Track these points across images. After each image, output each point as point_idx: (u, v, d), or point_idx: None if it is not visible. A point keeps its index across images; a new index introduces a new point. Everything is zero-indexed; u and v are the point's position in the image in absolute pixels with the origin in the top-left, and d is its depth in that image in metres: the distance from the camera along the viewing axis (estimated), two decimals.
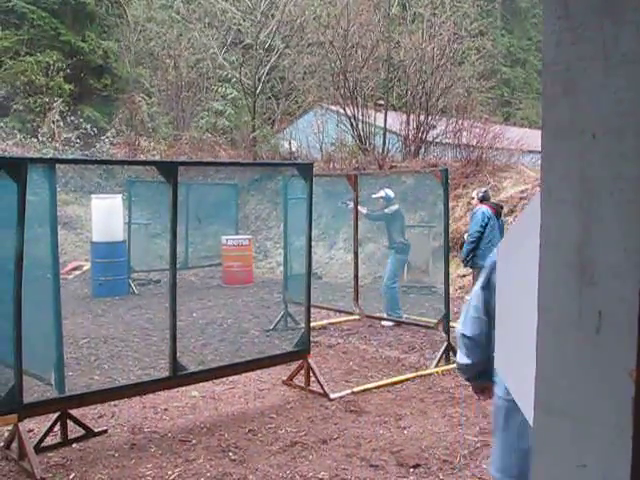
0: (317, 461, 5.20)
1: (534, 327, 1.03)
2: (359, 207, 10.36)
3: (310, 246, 6.96)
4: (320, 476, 4.95)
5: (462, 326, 3.03)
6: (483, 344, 2.92)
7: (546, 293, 1.02)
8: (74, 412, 5.54)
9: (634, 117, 0.92)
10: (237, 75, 23.07)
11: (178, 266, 15.48)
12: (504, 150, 17.75)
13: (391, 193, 10.34)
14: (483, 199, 9.75)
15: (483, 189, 10.15)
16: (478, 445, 5.48)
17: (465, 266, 10.39)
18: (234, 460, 5.20)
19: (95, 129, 20.15)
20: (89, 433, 5.58)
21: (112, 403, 6.17)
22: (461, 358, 3.13)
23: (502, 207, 10.56)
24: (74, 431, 5.55)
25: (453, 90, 20.22)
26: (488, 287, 2.78)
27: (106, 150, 19.67)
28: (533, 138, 19.81)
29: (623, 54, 0.93)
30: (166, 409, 6.40)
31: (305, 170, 6.86)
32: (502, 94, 31.74)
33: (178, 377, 5.85)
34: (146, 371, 7.46)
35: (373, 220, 10.83)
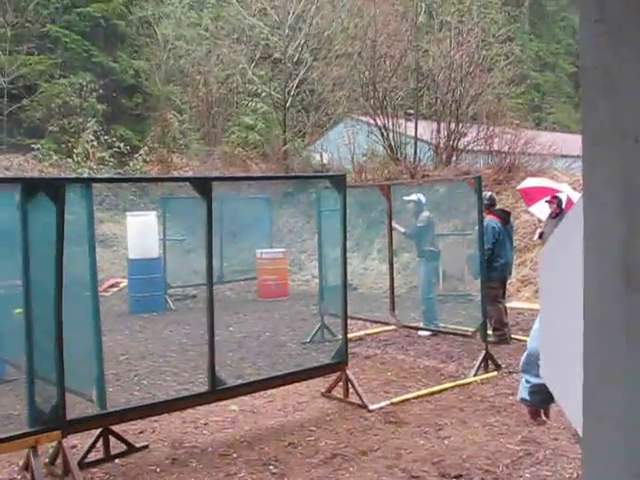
0: (358, 473, 5.18)
1: (580, 334, 1.02)
2: (397, 226, 10.38)
3: (345, 257, 6.96)
4: None
5: (534, 342, 2.55)
6: None
7: (592, 299, 1.00)
8: (115, 428, 5.59)
9: None
10: (267, 89, 23.22)
11: (214, 281, 15.56)
12: (536, 155, 17.61)
13: (423, 198, 10.30)
14: (490, 206, 9.63)
15: (488, 194, 9.82)
16: (521, 454, 5.42)
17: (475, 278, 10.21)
18: (275, 473, 5.20)
19: (128, 147, 20.41)
20: (131, 449, 5.63)
21: (152, 419, 6.21)
22: (534, 378, 2.61)
23: (509, 213, 10.48)
24: (116, 447, 5.60)
25: (483, 97, 20.13)
26: None
27: (139, 168, 19.92)
28: (565, 142, 19.65)
29: None
30: (206, 423, 6.43)
31: (338, 182, 6.87)
32: (532, 99, 31.53)
33: (217, 391, 5.88)
34: (185, 386, 7.50)
35: (411, 238, 10.67)
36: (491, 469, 5.16)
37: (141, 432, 6.14)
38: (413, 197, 10.23)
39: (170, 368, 8.50)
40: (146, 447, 5.76)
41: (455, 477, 5.05)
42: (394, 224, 10.33)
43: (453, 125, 19.51)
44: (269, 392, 7.15)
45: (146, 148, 20.81)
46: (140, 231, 13.07)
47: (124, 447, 5.63)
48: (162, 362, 8.80)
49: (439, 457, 5.43)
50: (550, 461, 5.29)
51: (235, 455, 5.59)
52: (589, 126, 1.05)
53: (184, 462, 5.46)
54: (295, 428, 6.26)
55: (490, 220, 9.47)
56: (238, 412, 6.79)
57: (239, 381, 6.96)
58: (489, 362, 8.04)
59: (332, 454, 5.56)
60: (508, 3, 24.14)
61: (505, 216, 9.89)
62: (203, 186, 5.61)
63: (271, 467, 5.32)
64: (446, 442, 5.78)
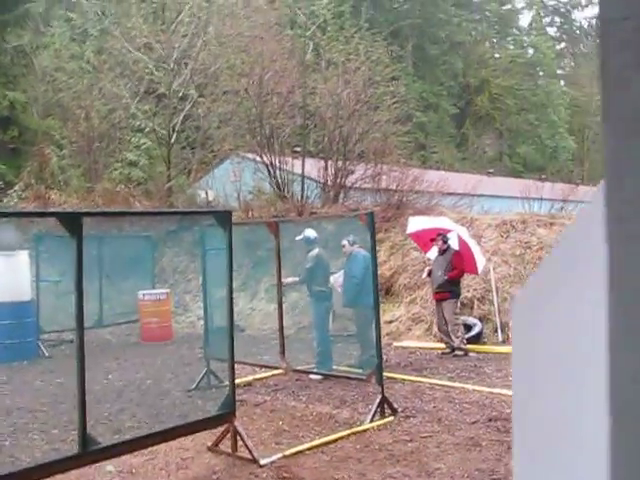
0: None
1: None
2: (289, 280, 10.13)
3: (231, 298, 6.46)
4: None
5: None
6: None
7: (620, 347, 0.66)
8: None
9: None
10: (150, 124, 22.54)
11: (92, 324, 14.66)
12: (424, 193, 17.73)
13: (312, 234, 9.97)
14: (355, 243, 9.70)
15: (350, 237, 9.87)
16: None
17: (348, 306, 10.05)
18: None
19: (2, 183, 19.24)
20: None
21: None
22: None
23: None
24: None
25: (370, 135, 20.19)
26: None
27: (14, 204, 18.73)
28: (451, 180, 19.97)
29: None
30: None
31: (223, 218, 6.40)
32: (417, 138, 32.18)
33: (89, 453, 5.20)
34: (55, 445, 6.73)
35: (305, 282, 10.20)
36: None
37: None
38: (305, 234, 9.90)
39: (39, 425, 7.66)
40: None
41: None
42: (285, 280, 10.05)
43: (340, 163, 19.43)
44: (150, 448, 6.50)
45: (22, 184, 19.71)
46: (9, 272, 12.09)
47: None
48: (30, 418, 7.95)
49: None
50: None
51: None
52: (618, 111, 0.69)
53: None
54: None
55: (359, 251, 9.56)
56: (115, 474, 6.11)
57: (116, 438, 6.29)
58: (385, 406, 7.68)
59: None
60: (393, 43, 24.54)
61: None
62: (72, 221, 5.01)
63: None
64: None
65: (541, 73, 54.21)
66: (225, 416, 6.36)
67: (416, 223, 12.49)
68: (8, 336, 11.73)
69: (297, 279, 10.12)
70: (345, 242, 9.92)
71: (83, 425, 5.17)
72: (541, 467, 0.97)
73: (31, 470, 5.05)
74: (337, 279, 10.14)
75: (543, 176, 22.66)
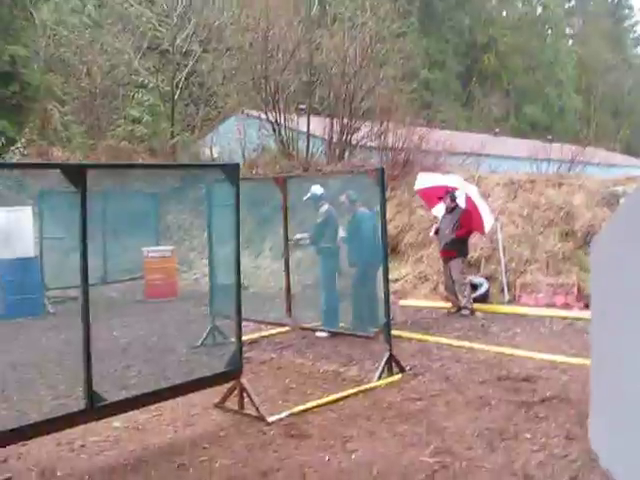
0: None
1: None
2: (299, 235, 10.05)
3: (239, 254, 6.35)
4: None
5: None
6: None
7: None
8: None
9: None
10: (154, 81, 22.23)
11: (96, 281, 14.60)
12: (430, 152, 17.51)
13: (318, 190, 9.82)
14: (355, 200, 9.68)
15: (350, 192, 9.79)
16: (435, 467, 4.98)
17: (354, 266, 9.90)
18: None
19: (3, 139, 19.02)
20: None
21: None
22: None
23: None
24: None
25: (376, 91, 19.89)
26: None
27: (16, 161, 18.52)
28: (457, 139, 19.73)
29: None
30: (83, 445, 5.68)
31: (231, 172, 6.26)
32: (422, 96, 31.76)
33: (95, 409, 5.14)
34: (61, 401, 6.68)
35: (315, 238, 9.95)
36: None
37: (4, 460, 5.33)
38: (312, 191, 9.76)
39: (45, 380, 7.61)
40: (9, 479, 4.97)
41: None
42: (296, 236, 9.92)
43: (346, 120, 19.19)
44: (157, 404, 6.44)
45: (24, 140, 19.46)
46: (13, 228, 11.98)
47: None
48: (36, 373, 7.90)
49: (348, 475, 4.92)
50: (468, 473, 4.88)
51: None
52: None
53: None
54: (186, 446, 5.61)
55: (364, 211, 9.54)
56: (122, 429, 6.07)
57: (123, 394, 6.21)
58: (392, 364, 7.62)
59: (228, 476, 4.95)
60: None
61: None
62: (76, 174, 4.87)
63: None
64: (354, 456, 5.27)
65: (549, 32, 53.40)
66: (232, 373, 6.30)
67: (425, 180, 12.30)
68: (13, 292, 11.68)
69: (306, 235, 9.98)
70: (344, 198, 9.78)
71: (89, 381, 5.11)
72: (618, 404, 0.87)
73: (39, 424, 4.99)
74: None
75: (550, 137, 22.32)
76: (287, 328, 9.90)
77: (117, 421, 6.09)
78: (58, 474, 5.08)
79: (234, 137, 20.17)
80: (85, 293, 5.09)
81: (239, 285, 6.40)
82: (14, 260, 11.85)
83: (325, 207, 9.73)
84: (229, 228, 6.52)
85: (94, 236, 15.18)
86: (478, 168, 17.33)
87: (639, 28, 67.29)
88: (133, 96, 22.70)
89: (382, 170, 7.58)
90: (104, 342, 9.05)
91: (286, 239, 9.78)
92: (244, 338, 8.78)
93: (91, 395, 5.12)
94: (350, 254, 9.59)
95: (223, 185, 6.69)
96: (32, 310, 11.77)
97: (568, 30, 59.56)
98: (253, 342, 9.53)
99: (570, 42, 57.87)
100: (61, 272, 13.13)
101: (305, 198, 9.88)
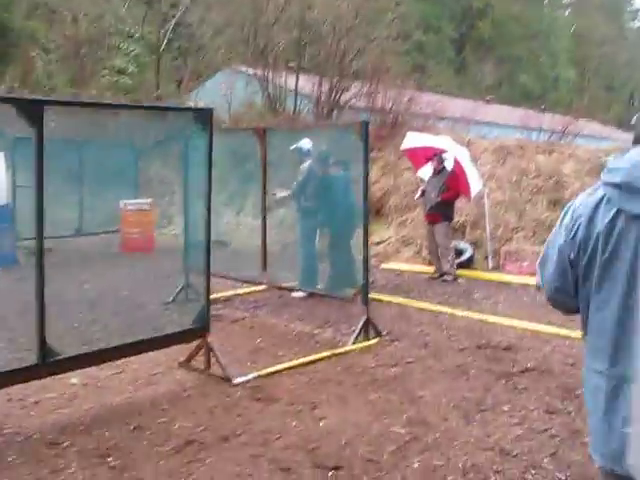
0: (216, 465, 4.30)
1: None
2: (279, 194, 9.59)
3: (209, 207, 5.97)
4: None
5: None
6: None
7: None
8: None
9: None
10: (140, 30, 21.60)
11: (71, 233, 14.16)
12: (420, 114, 17.13)
13: (306, 145, 9.43)
14: (333, 163, 9.40)
15: (324, 150, 9.58)
16: (407, 438, 4.70)
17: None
18: (113, 467, 4.23)
19: None
20: None
21: None
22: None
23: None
24: None
25: (368, 51, 19.39)
26: None
27: None
28: (448, 104, 19.29)
29: None
30: (37, 402, 5.34)
31: (203, 117, 5.86)
32: (414, 59, 31.19)
33: (48, 364, 4.81)
34: (21, 354, 6.33)
35: (298, 194, 9.55)
36: (374, 458, 4.41)
37: None
38: (299, 144, 9.38)
39: (7, 332, 7.26)
40: None
41: (333, 469, 4.26)
42: (276, 193, 9.54)
43: (336, 79, 18.71)
44: (119, 361, 6.11)
45: (3, 87, 18.85)
46: None
47: None
48: None
49: (314, 443, 4.62)
50: (441, 446, 4.59)
51: (67, 444, 4.56)
52: None
53: None
54: (145, 407, 5.29)
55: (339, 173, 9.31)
56: (79, 386, 5.74)
57: (83, 349, 5.88)
58: (369, 328, 7.32)
59: (186, 440, 4.64)
60: None
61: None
62: (31, 111, 4.47)
63: (110, 459, 4.34)
64: (322, 424, 4.98)
65: (546, 1, 52.60)
66: (198, 330, 5.96)
67: (414, 139, 11.87)
68: None
69: (288, 192, 9.59)
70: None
71: (41, 335, 4.77)
72: None
73: None
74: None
75: (543, 106, 21.90)
76: (263, 287, 9.59)
77: (75, 377, 5.76)
78: (4, 432, 4.76)
79: (220, 93, 19.65)
80: (39, 243, 4.75)
81: (209, 240, 6.03)
82: None
83: (307, 163, 9.34)
84: (202, 179, 6.14)
85: (70, 187, 14.80)
86: (468, 133, 16.97)
87: (637, 1, 66.59)
88: (119, 46, 22.08)
89: (366, 124, 7.19)
90: (73, 294, 8.76)
91: (263, 193, 9.42)
92: (217, 295, 8.54)
93: (43, 349, 4.78)
94: (321, 217, 9.29)
95: (201, 135, 6.29)
96: (3, 260, 11.36)
97: (565, 0, 58.73)
98: (227, 300, 9.20)
99: (567, 12, 57.09)
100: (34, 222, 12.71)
101: (291, 148, 9.50)
